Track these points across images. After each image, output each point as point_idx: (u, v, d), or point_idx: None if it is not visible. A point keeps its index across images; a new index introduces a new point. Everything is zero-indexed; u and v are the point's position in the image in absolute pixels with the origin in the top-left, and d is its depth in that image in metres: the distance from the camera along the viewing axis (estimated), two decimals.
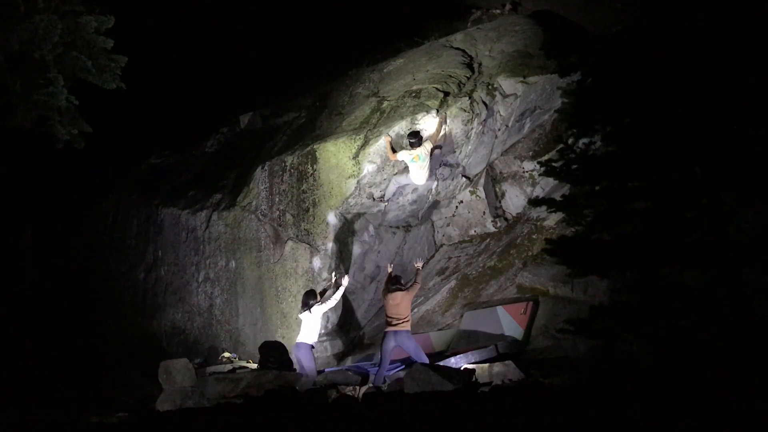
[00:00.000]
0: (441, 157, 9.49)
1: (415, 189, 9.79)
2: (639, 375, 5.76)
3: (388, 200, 9.72)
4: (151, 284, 11.30)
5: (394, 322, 8.11)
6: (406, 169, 9.32)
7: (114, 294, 11.71)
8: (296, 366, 8.58)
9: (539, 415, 4.63)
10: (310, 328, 8.47)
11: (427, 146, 9.06)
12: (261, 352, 8.70)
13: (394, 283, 8.38)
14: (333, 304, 8.69)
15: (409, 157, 9.07)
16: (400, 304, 8.15)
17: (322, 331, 9.12)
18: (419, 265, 8.89)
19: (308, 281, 9.46)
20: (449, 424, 4.70)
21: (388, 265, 9.21)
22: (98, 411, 7.92)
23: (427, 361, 7.81)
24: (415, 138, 9.03)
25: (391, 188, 9.62)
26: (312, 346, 8.49)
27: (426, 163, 9.08)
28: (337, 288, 8.78)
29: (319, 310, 8.52)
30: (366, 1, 13.40)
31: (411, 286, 8.41)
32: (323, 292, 9.01)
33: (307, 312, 8.48)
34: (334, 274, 9.15)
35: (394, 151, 9.17)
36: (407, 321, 8.17)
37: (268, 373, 8.23)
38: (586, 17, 10.20)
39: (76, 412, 7.86)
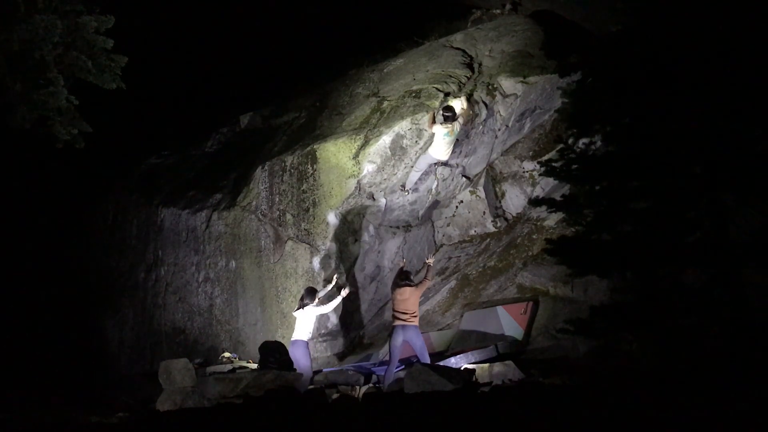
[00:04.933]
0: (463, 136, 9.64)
1: (416, 189, 9.80)
2: (639, 375, 5.76)
3: (410, 190, 9.76)
4: (151, 284, 11.28)
5: (403, 317, 8.05)
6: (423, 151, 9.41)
7: (114, 294, 11.71)
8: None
9: (539, 415, 4.63)
10: (303, 325, 8.47)
11: (460, 121, 9.21)
12: (261, 352, 8.68)
13: (403, 278, 8.30)
14: (327, 311, 8.72)
15: (444, 130, 9.13)
16: (408, 299, 8.07)
17: (323, 331, 9.12)
18: (431, 261, 8.74)
19: (308, 281, 9.45)
20: (449, 424, 4.70)
21: (401, 259, 9.14)
22: (98, 411, 7.92)
23: (429, 361, 7.81)
24: (450, 112, 9.11)
25: (413, 177, 9.62)
26: (307, 343, 8.48)
27: (454, 139, 9.20)
28: (339, 290, 8.78)
29: (314, 311, 8.51)
30: (366, 1, 13.40)
31: (421, 282, 8.32)
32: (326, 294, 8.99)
33: (300, 310, 8.49)
34: (336, 276, 9.12)
35: (434, 122, 9.29)
36: (415, 316, 8.09)
37: (268, 373, 8.22)
38: (586, 17, 10.19)
39: (76, 412, 7.86)
